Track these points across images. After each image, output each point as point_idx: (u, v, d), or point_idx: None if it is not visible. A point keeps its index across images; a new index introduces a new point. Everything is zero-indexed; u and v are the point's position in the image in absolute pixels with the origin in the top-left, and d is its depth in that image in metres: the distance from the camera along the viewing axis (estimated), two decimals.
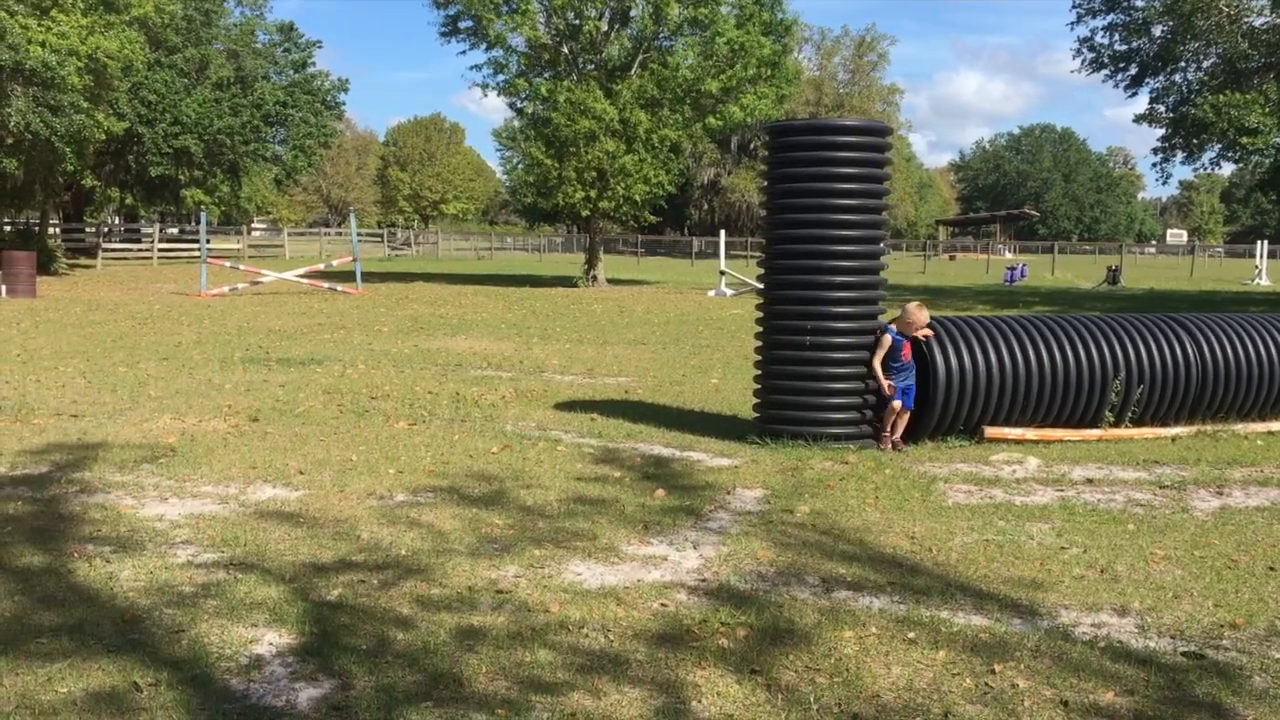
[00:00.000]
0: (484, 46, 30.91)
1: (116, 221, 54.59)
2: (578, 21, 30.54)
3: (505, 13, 29.73)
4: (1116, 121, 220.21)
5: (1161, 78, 33.15)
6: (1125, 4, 32.76)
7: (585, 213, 30.99)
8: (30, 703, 3.58)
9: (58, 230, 40.65)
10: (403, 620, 4.38)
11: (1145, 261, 76.53)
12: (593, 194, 30.00)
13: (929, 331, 8.13)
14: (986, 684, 3.88)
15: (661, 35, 30.91)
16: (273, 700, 3.65)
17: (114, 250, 42.74)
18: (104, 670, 3.84)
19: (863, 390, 8.05)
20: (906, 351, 8.02)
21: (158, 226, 47.54)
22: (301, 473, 6.98)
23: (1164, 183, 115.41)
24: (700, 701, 3.72)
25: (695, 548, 5.50)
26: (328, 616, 4.40)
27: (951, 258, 72.50)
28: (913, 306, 8.15)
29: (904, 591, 4.86)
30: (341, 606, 4.52)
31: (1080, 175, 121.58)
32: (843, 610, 4.61)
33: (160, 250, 43.55)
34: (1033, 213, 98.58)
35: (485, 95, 34.18)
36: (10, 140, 26.31)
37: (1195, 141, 31.80)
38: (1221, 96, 28.01)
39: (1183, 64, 32.76)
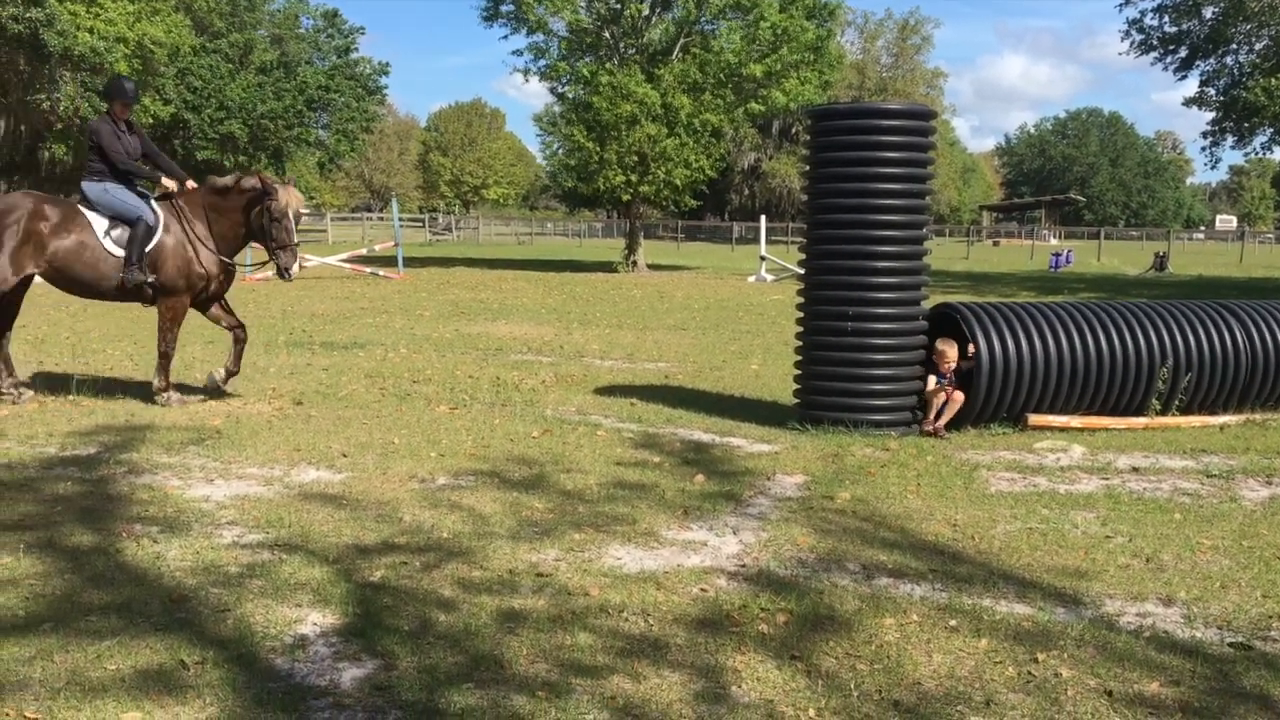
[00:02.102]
0: (525, 31, 30.95)
1: None
2: (619, 5, 30.47)
3: None
4: (1163, 105, 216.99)
5: (1212, 60, 32.58)
6: None
7: (626, 197, 30.98)
8: (80, 679, 3.65)
9: None
10: (445, 602, 4.41)
11: (1193, 248, 75.43)
12: (633, 178, 29.97)
13: (954, 363, 8.10)
14: (1029, 673, 3.85)
15: (704, 19, 30.78)
16: (317, 680, 3.69)
17: None
18: (152, 648, 3.90)
19: (904, 377, 8.00)
20: (952, 393, 8.09)
21: None
22: (344, 455, 7.04)
23: (1213, 167, 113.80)
24: (740, 686, 3.72)
25: (735, 533, 5.50)
26: (371, 597, 4.44)
27: (995, 243, 71.76)
28: (938, 343, 8.13)
29: (946, 579, 4.83)
30: (384, 588, 4.57)
31: (1128, 160, 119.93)
32: (884, 597, 4.59)
33: None
34: (1078, 198, 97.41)
35: (527, 81, 34.20)
36: (60, 125, 26.68)
37: (1246, 125, 31.24)
38: (1274, 80, 27.50)
39: (1234, 46, 32.16)
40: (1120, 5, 33.95)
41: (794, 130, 73.74)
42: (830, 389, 8.04)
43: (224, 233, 8.66)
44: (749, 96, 30.76)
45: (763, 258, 29.24)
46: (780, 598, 4.53)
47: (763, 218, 33.05)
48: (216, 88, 40.06)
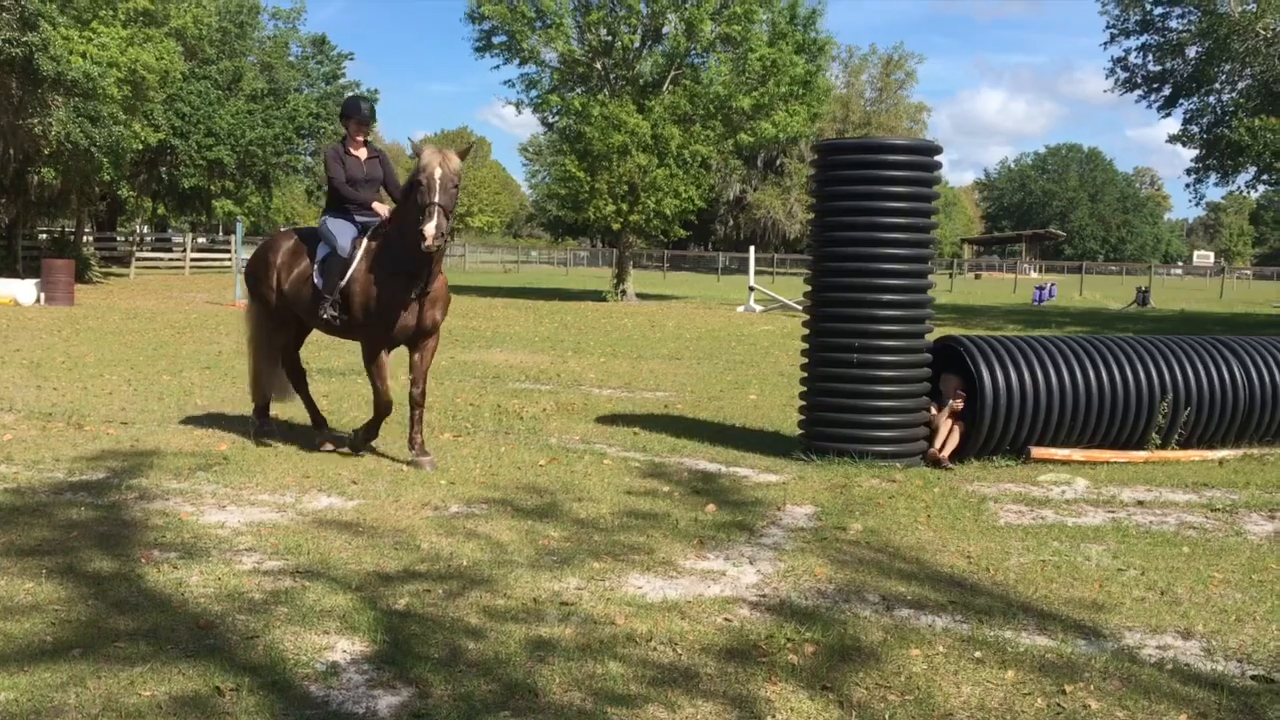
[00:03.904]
0: (517, 62, 31.15)
1: (146, 231, 55.12)
2: (611, 38, 30.74)
3: (539, 28, 29.95)
4: (1139, 142, 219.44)
5: (1195, 99, 33.06)
6: (1160, 25, 32.74)
7: (616, 226, 31.11)
8: (116, 705, 3.64)
9: (91, 239, 41.07)
10: (472, 630, 4.42)
11: (1173, 283, 76.08)
12: (624, 207, 30.13)
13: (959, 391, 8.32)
14: (1059, 704, 3.89)
15: (694, 52, 31.04)
16: (353, 707, 3.69)
17: (146, 259, 43.14)
18: (184, 675, 3.90)
19: (910, 409, 8.06)
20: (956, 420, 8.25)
21: (189, 236, 47.97)
22: (355, 482, 7.04)
23: (1197, 204, 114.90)
24: (774, 717, 3.74)
25: (752, 563, 5.53)
26: (398, 625, 4.45)
27: (977, 276, 72.30)
28: (946, 374, 8.35)
29: (966, 611, 4.87)
30: (410, 615, 4.57)
31: (1107, 195, 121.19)
32: (907, 628, 4.62)
33: (191, 260, 43.89)
34: (1059, 232, 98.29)
35: (519, 113, 34.44)
36: (49, 150, 26.63)
37: (1230, 164, 31.69)
38: (1257, 120, 27.91)
39: (1217, 86, 32.67)
40: (1104, 44, 34.47)
41: (779, 162, 74.24)
42: (836, 420, 8.09)
43: (414, 259, 7.34)
44: (738, 128, 31.01)
45: (751, 288, 29.38)
46: (805, 628, 4.56)
47: (751, 249, 33.23)
48: (205, 114, 40.10)
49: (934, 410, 8.27)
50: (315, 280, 7.82)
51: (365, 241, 7.70)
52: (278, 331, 8.35)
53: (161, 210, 51.54)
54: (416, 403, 7.80)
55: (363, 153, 8.06)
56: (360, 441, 8.07)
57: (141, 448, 7.95)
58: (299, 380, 8.62)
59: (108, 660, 4.01)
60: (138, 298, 27.28)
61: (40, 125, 24.87)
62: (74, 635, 4.25)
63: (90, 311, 21.78)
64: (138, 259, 40.69)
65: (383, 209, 7.85)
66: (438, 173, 7.08)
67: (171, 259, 44.88)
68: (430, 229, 6.95)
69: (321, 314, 7.74)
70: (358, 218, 7.88)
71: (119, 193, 42.21)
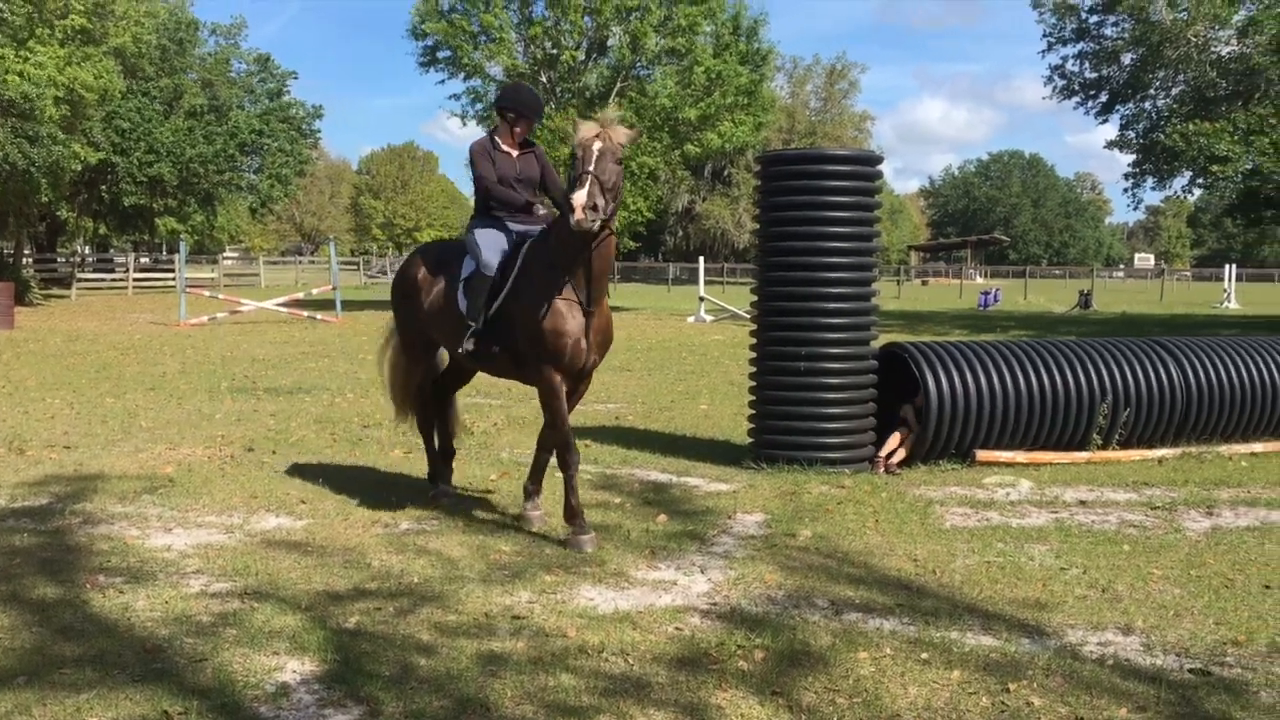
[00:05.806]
0: (463, 76, 31.13)
1: (87, 251, 54.23)
2: (555, 51, 30.81)
3: (483, 42, 29.96)
4: (1078, 147, 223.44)
5: (1131, 105, 33.78)
6: (1095, 33, 33.43)
7: None
8: None
9: (31, 260, 40.36)
10: (424, 647, 4.42)
11: (1114, 285, 77.36)
12: None
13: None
14: (1003, 703, 3.96)
15: (639, 64, 31.19)
16: None
17: (88, 280, 42.49)
18: (132, 700, 3.87)
19: (856, 415, 8.16)
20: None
21: (132, 256, 47.28)
22: (303, 502, 7.00)
23: (1135, 208, 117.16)
24: None
25: (703, 572, 5.57)
26: (348, 644, 4.44)
27: (924, 283, 73.10)
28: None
29: (913, 613, 4.94)
30: (361, 634, 4.56)
31: (1049, 200, 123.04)
32: (855, 632, 4.69)
33: (135, 280, 43.27)
34: (1003, 238, 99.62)
35: (465, 125, 34.30)
36: None
37: (1166, 168, 32.40)
38: (1191, 125, 28.54)
39: (1152, 92, 33.40)
40: (1042, 52, 35.19)
41: (726, 172, 74.62)
42: (784, 428, 8.17)
43: (570, 260, 6.15)
44: (685, 139, 31.19)
45: (701, 298, 29.49)
46: (755, 634, 4.61)
47: (701, 259, 33.36)
48: (145, 131, 39.57)
49: (910, 415, 8.39)
50: (460, 303, 6.50)
51: (524, 251, 6.36)
52: (416, 364, 7.17)
53: (103, 230, 50.74)
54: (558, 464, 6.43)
55: (515, 149, 6.71)
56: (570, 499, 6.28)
57: (85, 472, 7.84)
58: (430, 415, 7.40)
59: (54, 687, 3.96)
60: (80, 319, 26.85)
61: None
62: (18, 663, 4.20)
63: (30, 334, 21.42)
64: (79, 280, 40.08)
65: (540, 211, 6.64)
66: (596, 145, 5.77)
67: (114, 279, 44.23)
68: (580, 196, 5.60)
69: (465, 345, 6.44)
70: (512, 225, 6.57)
71: (58, 213, 41.53)
